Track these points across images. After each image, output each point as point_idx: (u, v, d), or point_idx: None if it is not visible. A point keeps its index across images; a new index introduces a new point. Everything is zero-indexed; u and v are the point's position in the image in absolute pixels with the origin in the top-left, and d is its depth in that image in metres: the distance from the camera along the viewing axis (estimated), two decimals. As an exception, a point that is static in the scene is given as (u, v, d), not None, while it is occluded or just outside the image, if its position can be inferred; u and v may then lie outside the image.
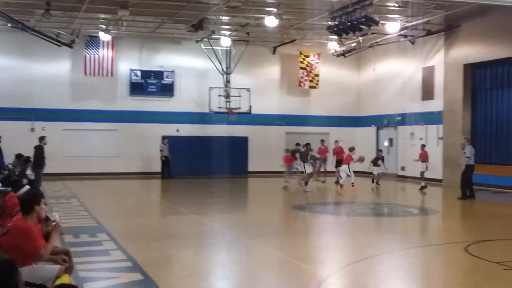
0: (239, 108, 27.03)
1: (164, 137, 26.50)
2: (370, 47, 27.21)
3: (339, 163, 23.02)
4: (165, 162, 26.23)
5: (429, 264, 9.25)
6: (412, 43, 25.80)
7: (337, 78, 30.31)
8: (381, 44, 26.60)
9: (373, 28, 20.48)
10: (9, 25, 22.45)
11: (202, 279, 8.06)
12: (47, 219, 6.36)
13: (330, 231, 12.79)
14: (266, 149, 27.13)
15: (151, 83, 27.62)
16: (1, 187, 13.59)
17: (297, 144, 22.98)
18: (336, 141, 25.03)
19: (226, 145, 27.65)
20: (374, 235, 12.14)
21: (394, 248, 10.49)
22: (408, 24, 23.20)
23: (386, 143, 28.63)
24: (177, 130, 27.81)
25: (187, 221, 14.01)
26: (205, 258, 9.51)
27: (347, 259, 9.49)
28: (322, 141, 25.70)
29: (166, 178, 25.63)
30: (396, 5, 21.10)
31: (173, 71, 27.80)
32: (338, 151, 24.16)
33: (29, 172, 17.26)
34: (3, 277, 3.68)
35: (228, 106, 27.02)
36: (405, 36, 25.22)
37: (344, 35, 20.65)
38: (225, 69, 27.66)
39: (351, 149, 21.51)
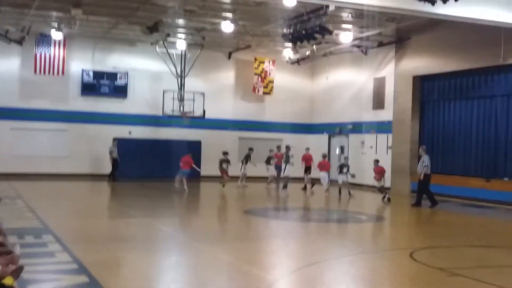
0: (193, 112, 26.94)
1: (114, 139, 26.07)
2: (323, 56, 27.64)
3: (307, 169, 23.87)
4: (113, 164, 25.77)
5: (375, 270, 9.44)
6: (365, 53, 26.35)
7: (291, 85, 30.62)
8: (335, 54, 27.08)
9: (327, 37, 20.83)
10: (-44, 19, 21.72)
11: (150, 282, 7.98)
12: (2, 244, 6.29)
13: (281, 236, 12.89)
14: (219, 153, 27.02)
15: (104, 84, 27.20)
16: None
17: (250, 149, 23.51)
18: (307, 148, 25.22)
19: (179, 148, 27.42)
20: (324, 241, 12.30)
21: (343, 253, 10.67)
22: (361, 35, 23.68)
23: (337, 151, 29.10)
24: (129, 132, 27.47)
25: (137, 224, 13.84)
26: (154, 261, 9.42)
27: (297, 263, 9.60)
28: (307, 149, 25.24)
29: (111, 181, 25.16)
30: (350, 15, 21.51)
31: (126, 73, 27.48)
32: (307, 158, 24.36)
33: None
34: None
35: (181, 110, 26.87)
36: (358, 46, 25.74)
37: (298, 43, 20.87)
38: (179, 73, 27.53)
39: (324, 156, 23.23)
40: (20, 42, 23.94)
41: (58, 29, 23.81)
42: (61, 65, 25.93)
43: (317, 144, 30.42)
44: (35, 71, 25.54)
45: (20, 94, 26.00)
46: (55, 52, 25.76)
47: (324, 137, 29.95)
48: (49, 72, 25.74)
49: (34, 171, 25.33)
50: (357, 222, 15.82)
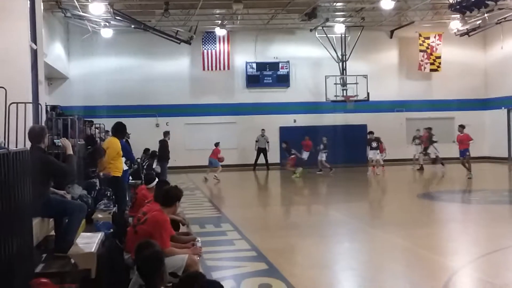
0: (357, 95, 26.39)
1: (262, 129, 26.35)
2: (497, 23, 25.34)
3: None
4: (259, 153, 25.94)
5: None
6: (545, 16, 23.68)
7: (461, 59, 28.62)
8: (510, 20, 24.67)
9: (500, 3, 19.04)
10: (132, 26, 23.66)
11: (325, 269, 7.91)
12: (188, 234, 6.83)
13: (459, 220, 12.07)
14: (386, 136, 26.14)
15: (267, 75, 27.81)
16: (131, 180, 14.36)
17: (370, 133, 23.22)
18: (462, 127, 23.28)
19: (344, 134, 27.16)
20: (508, 225, 11.26)
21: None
22: (540, -4, 21.31)
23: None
24: (294, 121, 27.79)
25: (307, 211, 13.91)
26: (329, 248, 9.33)
27: (481, 249, 8.86)
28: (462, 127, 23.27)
29: (255, 170, 25.43)
30: (526, -25, 19.48)
31: (288, 62, 27.79)
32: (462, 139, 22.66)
33: (155, 165, 18.08)
34: (155, 265, 4.02)
35: (345, 94, 26.50)
36: (537, 9, 23.19)
37: (468, 13, 19.40)
38: (340, 57, 27.15)
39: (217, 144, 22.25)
40: (188, 41, 25.39)
41: (222, 25, 24.86)
42: (226, 60, 27.02)
43: (494, 120, 28.23)
44: (203, 68, 26.93)
45: (191, 91, 27.62)
46: (220, 48, 26.91)
47: (502, 112, 27.54)
48: (216, 68, 26.99)
49: (206, 164, 26.73)
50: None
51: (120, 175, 10.00)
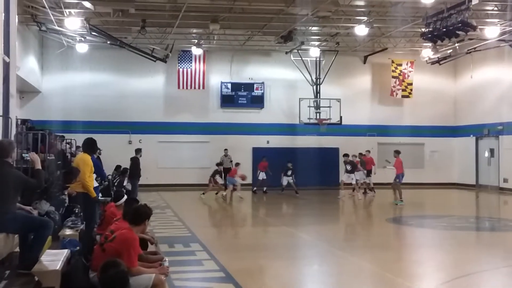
0: (330, 119, 26.68)
1: (225, 149, 26.18)
2: (467, 53, 26.01)
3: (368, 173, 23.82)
4: (222, 173, 24.44)
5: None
6: (513, 47, 24.37)
7: (432, 86, 29.23)
8: (479, 50, 25.35)
9: (470, 33, 19.56)
10: (108, 42, 23.60)
11: (294, 292, 7.92)
12: (156, 253, 6.77)
13: (426, 245, 12.22)
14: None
15: (242, 95, 27.95)
16: (101, 197, 14.21)
17: (345, 155, 23.42)
18: (367, 151, 24.69)
19: (317, 156, 27.36)
20: (474, 250, 11.44)
21: (497, 264, 9.82)
22: (508, 28, 21.94)
23: (486, 154, 27.20)
24: (267, 142, 27.91)
25: (277, 232, 13.92)
26: (297, 269, 9.36)
27: (447, 275, 8.98)
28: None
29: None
30: (495, 8, 20.05)
31: (262, 83, 27.99)
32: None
33: (125, 183, 17.94)
34: (120, 284, 4.00)
35: (318, 117, 26.77)
36: (505, 41, 23.86)
37: (439, 42, 19.85)
38: (314, 80, 27.47)
39: (237, 165, 23.58)
40: (164, 59, 25.40)
41: (198, 44, 24.96)
42: (202, 79, 27.08)
43: (463, 147, 28.80)
44: (178, 86, 26.93)
45: (165, 109, 27.56)
46: (196, 67, 26.98)
47: (471, 140, 28.14)
48: (191, 86, 27.00)
49: (178, 182, 26.66)
50: (511, 231, 14.56)
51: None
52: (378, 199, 22.70)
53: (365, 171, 23.42)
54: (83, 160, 9.55)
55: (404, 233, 14.10)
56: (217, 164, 24.16)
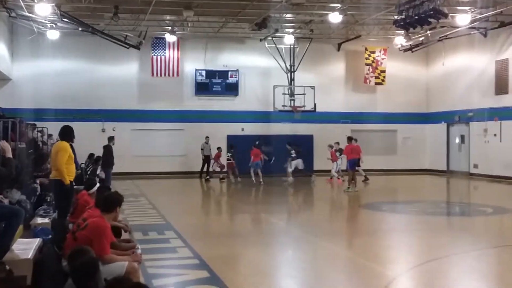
0: (304, 106, 26.78)
1: (207, 136, 25.97)
2: (439, 40, 26.32)
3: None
4: (204, 161, 25.46)
5: (504, 264, 8.78)
6: (484, 35, 24.73)
7: (405, 73, 29.54)
8: (451, 38, 25.67)
9: (442, 21, 19.76)
10: (80, 29, 23.24)
11: (267, 277, 8.00)
12: (129, 241, 6.74)
13: (398, 230, 12.43)
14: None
15: (216, 83, 27.85)
16: (74, 185, 14.07)
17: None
18: (355, 139, 22.23)
19: (291, 143, 27.51)
20: (446, 235, 11.68)
21: (467, 248, 10.05)
22: (479, 16, 22.26)
23: (457, 140, 27.67)
24: (242, 129, 27.91)
25: (252, 219, 14.00)
26: (271, 256, 9.44)
27: (418, 259, 9.17)
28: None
29: (204, 178, 25.07)
30: (467, -4, 20.30)
31: (237, 70, 27.93)
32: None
33: (99, 171, 17.80)
34: (89, 272, 3.98)
35: (292, 104, 26.85)
36: (476, 28, 24.22)
37: (411, 29, 20.02)
38: (289, 67, 27.51)
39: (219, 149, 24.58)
40: (137, 47, 25.14)
41: (172, 31, 24.75)
42: (176, 66, 26.89)
43: (434, 133, 29.24)
44: (152, 74, 26.70)
45: (139, 96, 27.32)
46: (169, 54, 26.77)
47: (442, 126, 28.58)
48: (165, 74, 26.80)
49: (153, 170, 26.54)
50: (481, 215, 14.87)
51: (72, 180, 9.57)
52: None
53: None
54: (63, 147, 9.37)
55: (377, 218, 14.29)
56: (218, 148, 24.83)
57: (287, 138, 26.46)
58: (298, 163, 23.55)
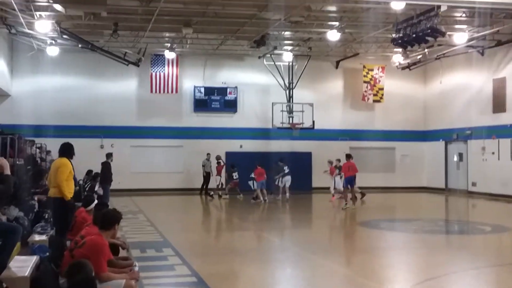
0: (302, 123, 26.85)
1: (208, 153, 25.97)
2: (436, 59, 26.49)
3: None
4: (206, 178, 25.44)
5: (503, 283, 8.75)
6: (481, 53, 24.92)
7: (403, 91, 29.67)
8: (448, 56, 25.84)
9: (439, 39, 19.94)
10: (79, 45, 23.35)
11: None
12: (127, 258, 6.65)
13: (397, 248, 12.38)
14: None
15: (215, 100, 27.93)
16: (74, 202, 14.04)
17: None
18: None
19: (289, 160, 27.42)
20: (444, 254, 11.64)
21: (466, 267, 10.01)
22: (476, 35, 22.42)
23: (455, 158, 27.70)
24: (241, 146, 27.93)
25: (250, 237, 13.95)
26: (270, 273, 9.39)
27: (417, 277, 9.13)
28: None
29: (204, 195, 25.10)
30: (464, 15, 20.46)
31: (236, 87, 28.04)
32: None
33: (97, 187, 17.77)
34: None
35: (291, 122, 26.90)
36: (474, 46, 24.40)
37: (409, 47, 20.19)
38: (287, 84, 27.63)
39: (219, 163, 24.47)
40: (137, 63, 25.25)
41: (171, 48, 24.89)
42: (175, 83, 26.99)
43: (432, 151, 29.28)
44: (151, 90, 26.78)
45: (138, 113, 27.38)
46: (168, 71, 26.88)
47: (440, 144, 28.64)
48: (163, 90, 26.89)
49: (152, 187, 26.49)
50: (480, 233, 14.84)
51: (71, 196, 9.54)
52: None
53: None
54: (64, 163, 9.37)
55: (375, 236, 14.24)
56: (218, 162, 24.81)
57: (285, 155, 26.43)
58: (288, 179, 23.24)
